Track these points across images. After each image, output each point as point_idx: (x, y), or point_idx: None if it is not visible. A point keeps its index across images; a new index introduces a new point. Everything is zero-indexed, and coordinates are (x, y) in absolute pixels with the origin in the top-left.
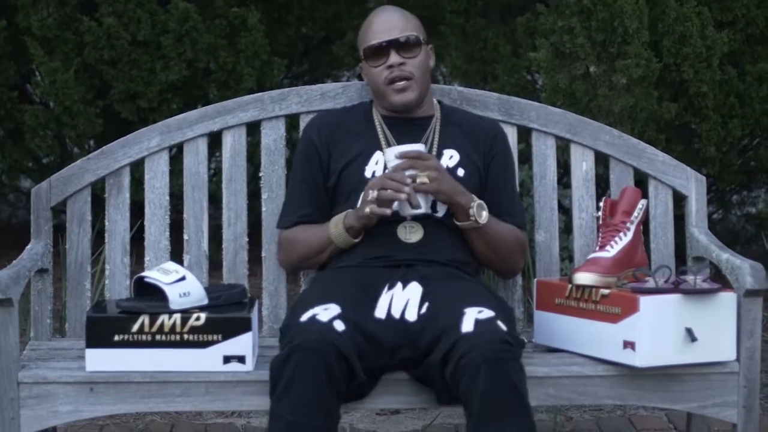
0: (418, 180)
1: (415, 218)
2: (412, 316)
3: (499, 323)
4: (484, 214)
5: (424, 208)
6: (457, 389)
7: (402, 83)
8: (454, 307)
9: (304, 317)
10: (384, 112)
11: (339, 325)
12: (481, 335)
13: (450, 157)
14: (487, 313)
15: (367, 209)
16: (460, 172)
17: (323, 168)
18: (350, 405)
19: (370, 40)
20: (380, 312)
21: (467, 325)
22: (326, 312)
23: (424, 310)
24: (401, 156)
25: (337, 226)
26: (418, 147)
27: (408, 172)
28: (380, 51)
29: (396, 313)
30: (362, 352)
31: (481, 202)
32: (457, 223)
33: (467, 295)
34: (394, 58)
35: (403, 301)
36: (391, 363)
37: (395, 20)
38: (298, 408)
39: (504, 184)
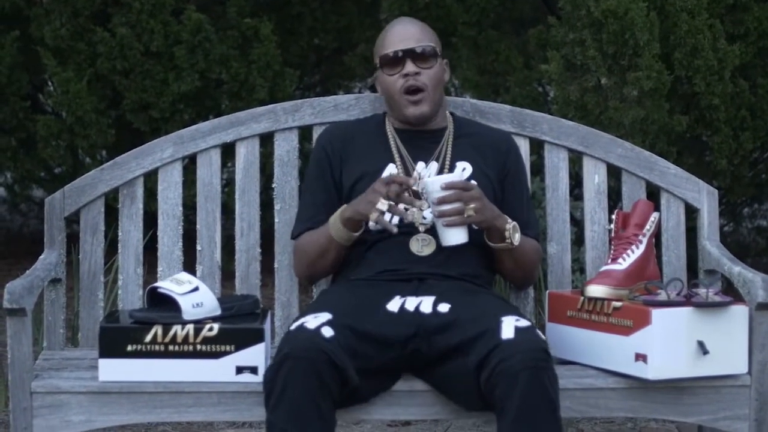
0: (466, 214)
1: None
2: (426, 308)
3: (538, 332)
4: (517, 236)
5: (465, 239)
6: (492, 395)
7: (417, 96)
8: (488, 314)
9: (293, 326)
10: (397, 124)
11: (327, 332)
12: (522, 343)
13: (463, 170)
14: (524, 322)
15: (374, 216)
16: (473, 184)
17: (335, 178)
18: (357, 416)
19: (387, 49)
20: (393, 306)
21: (507, 332)
22: (315, 320)
23: (442, 308)
24: (448, 187)
25: (335, 223)
26: (459, 176)
27: (453, 205)
28: (396, 60)
29: (410, 307)
30: (358, 355)
31: (515, 223)
32: (491, 244)
33: (496, 304)
34: (410, 67)
35: (417, 300)
36: (400, 359)
37: (412, 31)
38: (293, 415)
39: (519, 198)
